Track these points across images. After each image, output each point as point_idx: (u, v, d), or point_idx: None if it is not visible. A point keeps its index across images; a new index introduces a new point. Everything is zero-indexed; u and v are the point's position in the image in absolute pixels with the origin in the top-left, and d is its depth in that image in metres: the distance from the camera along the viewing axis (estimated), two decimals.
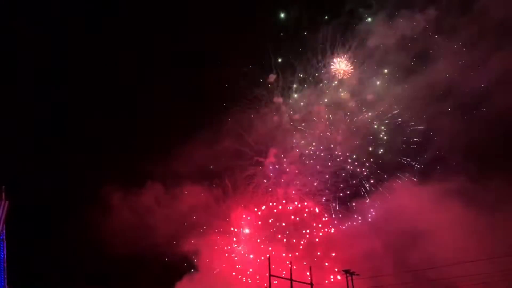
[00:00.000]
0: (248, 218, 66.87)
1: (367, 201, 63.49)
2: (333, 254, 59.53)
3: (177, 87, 71.88)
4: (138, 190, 67.79)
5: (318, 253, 61.23)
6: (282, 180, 67.70)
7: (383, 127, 64.70)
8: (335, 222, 64.25)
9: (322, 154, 66.71)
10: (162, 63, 73.61)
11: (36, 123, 69.72)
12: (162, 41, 72.59)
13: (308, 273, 48.47)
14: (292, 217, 66.25)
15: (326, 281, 54.12)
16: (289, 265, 48.66)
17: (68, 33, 71.23)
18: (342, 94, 66.26)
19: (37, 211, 63.95)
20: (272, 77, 68.19)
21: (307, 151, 67.41)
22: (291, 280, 47.30)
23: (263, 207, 67.43)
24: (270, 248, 60.93)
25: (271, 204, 67.50)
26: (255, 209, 67.27)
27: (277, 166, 68.39)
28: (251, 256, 65.31)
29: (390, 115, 64.40)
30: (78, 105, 71.54)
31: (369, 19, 64.54)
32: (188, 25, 72.68)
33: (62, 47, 71.66)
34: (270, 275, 46.62)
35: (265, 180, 68.29)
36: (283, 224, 65.90)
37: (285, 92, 68.49)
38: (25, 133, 67.27)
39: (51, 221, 66.02)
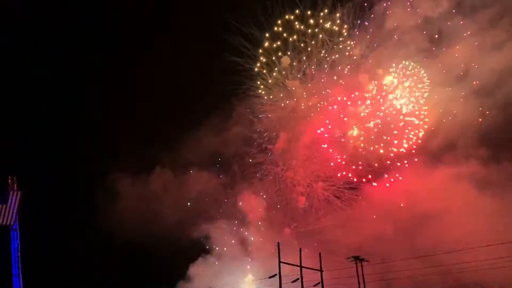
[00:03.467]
0: (257, 204, 66.74)
1: (378, 185, 62.84)
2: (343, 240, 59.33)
3: (187, 71, 71.52)
4: (147, 176, 68.64)
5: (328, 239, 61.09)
6: (292, 166, 67.22)
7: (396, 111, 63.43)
8: (345, 207, 64.06)
9: (334, 138, 65.80)
10: (171, 46, 73.09)
11: (45, 111, 70.43)
12: (170, 21, 72.07)
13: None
14: (302, 202, 66.30)
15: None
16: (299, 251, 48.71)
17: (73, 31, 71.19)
18: (359, 77, 64.63)
19: (47, 200, 64.77)
20: (286, 60, 66.64)
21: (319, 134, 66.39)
22: (301, 266, 47.56)
23: (272, 193, 67.49)
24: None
25: (279, 190, 67.46)
26: (264, 196, 67.38)
27: (286, 152, 67.78)
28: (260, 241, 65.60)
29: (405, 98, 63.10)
30: (87, 91, 72.13)
31: None
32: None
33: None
34: (280, 262, 46.87)
35: (274, 167, 67.92)
36: (292, 209, 66.15)
37: (300, 75, 66.93)
38: (34, 122, 68.15)
39: (61, 209, 66.88)
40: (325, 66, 65.76)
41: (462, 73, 59.89)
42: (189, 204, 67.60)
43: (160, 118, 71.57)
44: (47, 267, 61.09)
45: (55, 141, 68.93)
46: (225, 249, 67.38)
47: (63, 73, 71.58)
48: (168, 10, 72.16)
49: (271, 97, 68.16)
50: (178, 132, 68.50)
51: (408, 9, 61.55)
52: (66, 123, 71.60)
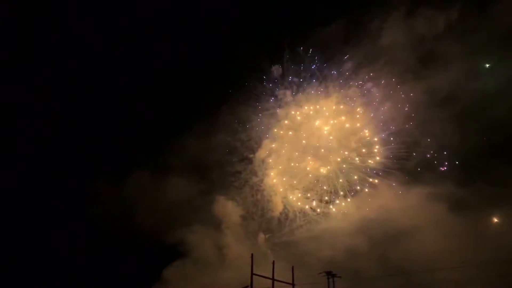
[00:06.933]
0: (233, 213, 66.88)
1: (352, 201, 63.62)
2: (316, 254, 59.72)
3: (174, 76, 71.35)
4: (125, 180, 68.16)
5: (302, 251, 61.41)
6: (271, 174, 67.50)
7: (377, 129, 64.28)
8: (320, 221, 64.40)
9: (313, 152, 66.33)
10: (158, 51, 72.73)
11: (21, 110, 69.29)
12: (159, 28, 71.73)
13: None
14: (278, 210, 66.56)
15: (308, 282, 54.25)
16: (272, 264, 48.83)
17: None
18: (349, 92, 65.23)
19: (18, 200, 63.92)
20: (277, 70, 66.80)
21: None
22: (273, 279, 47.71)
23: (248, 202, 67.81)
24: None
25: (255, 199, 67.79)
26: (240, 205, 67.52)
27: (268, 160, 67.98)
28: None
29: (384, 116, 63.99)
30: (70, 93, 71.11)
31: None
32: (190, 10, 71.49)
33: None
34: (252, 274, 46.96)
35: (252, 176, 68.12)
36: (268, 220, 66.54)
37: (291, 86, 67.37)
38: (9, 121, 66.91)
39: (33, 209, 65.73)
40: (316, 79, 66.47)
41: (446, 95, 60.92)
42: (165, 208, 67.10)
43: (143, 121, 71.45)
44: (16, 268, 60.28)
45: (29, 139, 68.01)
46: (199, 255, 67.08)
47: (42, 72, 70.75)
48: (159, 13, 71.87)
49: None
50: (159, 136, 68.39)
51: (404, 27, 62.43)
52: (43, 122, 70.34)
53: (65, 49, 70.66)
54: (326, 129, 65.57)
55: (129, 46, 71.91)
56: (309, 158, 66.07)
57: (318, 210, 64.59)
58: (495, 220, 55.54)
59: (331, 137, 65.32)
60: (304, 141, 66.68)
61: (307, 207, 65.17)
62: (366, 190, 63.01)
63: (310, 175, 65.28)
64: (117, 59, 70.32)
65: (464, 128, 58.84)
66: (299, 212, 65.16)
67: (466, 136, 58.54)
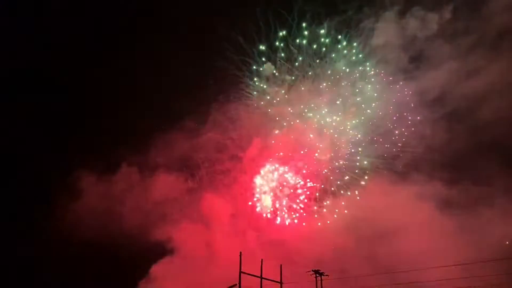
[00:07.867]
0: (222, 210, 66.80)
1: (341, 200, 63.91)
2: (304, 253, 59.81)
3: (163, 72, 70.81)
4: (111, 176, 67.64)
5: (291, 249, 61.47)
6: (259, 175, 67.47)
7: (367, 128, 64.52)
8: (308, 220, 64.57)
9: (303, 152, 66.37)
10: (146, 45, 72.09)
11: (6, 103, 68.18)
12: (145, 22, 71.08)
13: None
14: (267, 208, 66.59)
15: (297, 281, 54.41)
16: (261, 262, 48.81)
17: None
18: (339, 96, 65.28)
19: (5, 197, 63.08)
20: (268, 68, 66.52)
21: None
22: (261, 277, 47.77)
23: (237, 200, 67.74)
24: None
25: (245, 197, 67.71)
26: (229, 203, 67.40)
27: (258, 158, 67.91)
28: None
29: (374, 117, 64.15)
30: (52, 86, 70.16)
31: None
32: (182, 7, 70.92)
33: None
34: (240, 272, 47.02)
35: (242, 175, 68.10)
36: (257, 218, 66.45)
37: (282, 84, 67.03)
38: None
39: (17, 205, 65.09)
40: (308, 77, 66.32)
41: (436, 97, 61.59)
42: (153, 205, 66.82)
43: (131, 117, 70.81)
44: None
45: (13, 135, 66.92)
46: (187, 252, 66.88)
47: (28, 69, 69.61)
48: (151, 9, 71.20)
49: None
50: (148, 132, 67.98)
51: (396, 28, 62.77)
52: (27, 117, 69.26)
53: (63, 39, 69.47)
54: (317, 127, 65.74)
55: (122, 44, 71.22)
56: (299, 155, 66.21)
57: (308, 209, 64.87)
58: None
59: (322, 136, 65.56)
60: (295, 139, 66.70)
61: (295, 205, 65.40)
62: (355, 189, 63.39)
63: (300, 174, 65.49)
64: (110, 55, 69.67)
65: (452, 128, 59.75)
66: (288, 210, 65.45)
67: (454, 136, 59.41)
